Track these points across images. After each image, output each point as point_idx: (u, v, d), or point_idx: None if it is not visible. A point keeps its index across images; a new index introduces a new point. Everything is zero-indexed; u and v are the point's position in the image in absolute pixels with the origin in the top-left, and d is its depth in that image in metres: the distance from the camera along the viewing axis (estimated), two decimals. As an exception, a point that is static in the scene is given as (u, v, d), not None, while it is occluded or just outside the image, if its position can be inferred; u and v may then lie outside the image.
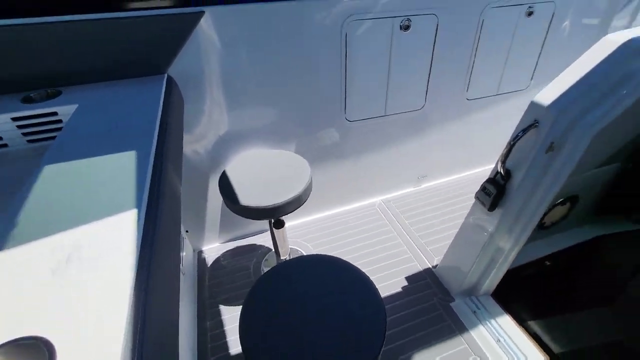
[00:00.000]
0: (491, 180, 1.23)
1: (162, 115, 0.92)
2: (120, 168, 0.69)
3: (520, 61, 1.94)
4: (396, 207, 2.11)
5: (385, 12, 1.48)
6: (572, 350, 1.38)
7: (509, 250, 1.31)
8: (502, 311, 1.46)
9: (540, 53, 1.96)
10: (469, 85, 1.89)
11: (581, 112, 1.01)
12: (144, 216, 0.57)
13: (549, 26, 1.87)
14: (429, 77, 1.76)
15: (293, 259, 1.01)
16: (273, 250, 1.80)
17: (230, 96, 1.45)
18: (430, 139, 2.03)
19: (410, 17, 1.53)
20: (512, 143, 1.09)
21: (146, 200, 0.61)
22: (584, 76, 1.01)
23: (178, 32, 1.18)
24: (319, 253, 1.82)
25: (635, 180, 1.48)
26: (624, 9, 1.97)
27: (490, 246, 1.33)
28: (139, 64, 1.16)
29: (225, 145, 1.59)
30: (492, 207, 1.23)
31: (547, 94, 1.04)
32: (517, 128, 1.12)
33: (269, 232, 1.92)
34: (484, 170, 2.40)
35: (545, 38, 1.90)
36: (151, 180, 0.66)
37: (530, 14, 1.77)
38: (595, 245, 1.68)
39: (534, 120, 1.06)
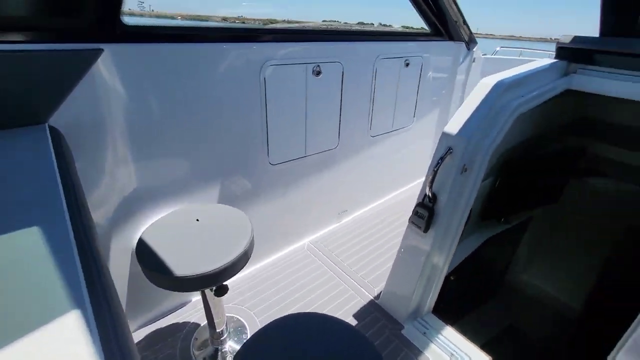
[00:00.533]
0: (421, 204, 1.35)
1: (62, 177, 0.68)
2: (34, 261, 0.45)
3: (405, 102, 2.32)
4: (324, 245, 2.09)
5: (299, 59, 1.56)
6: (482, 345, 1.54)
7: (442, 265, 1.44)
8: (445, 325, 1.56)
9: (417, 95, 2.39)
10: (371, 123, 2.13)
11: (481, 137, 1.23)
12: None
13: (420, 75, 2.32)
14: (340, 118, 1.90)
15: (269, 326, 0.84)
16: (203, 324, 1.49)
17: (138, 147, 1.21)
18: (345, 175, 2.15)
19: (320, 64, 1.65)
20: (435, 169, 1.24)
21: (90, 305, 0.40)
22: (475, 110, 1.25)
23: (67, 72, 0.94)
24: (261, 313, 1.60)
25: (503, 191, 1.88)
26: (460, 65, 2.63)
27: (427, 265, 1.44)
28: (8, 112, 0.85)
29: (136, 208, 1.29)
30: (426, 229, 1.34)
31: (453, 126, 1.25)
32: (434, 156, 1.29)
33: (192, 304, 1.60)
34: (394, 196, 2.66)
35: (418, 84, 2.35)
36: (85, 276, 0.45)
37: (407, 64, 2.16)
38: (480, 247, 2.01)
39: (448, 148, 1.24)
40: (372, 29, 1.96)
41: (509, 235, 2.09)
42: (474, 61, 2.70)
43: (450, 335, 1.51)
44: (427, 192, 1.29)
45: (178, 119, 1.28)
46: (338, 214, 2.29)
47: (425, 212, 1.32)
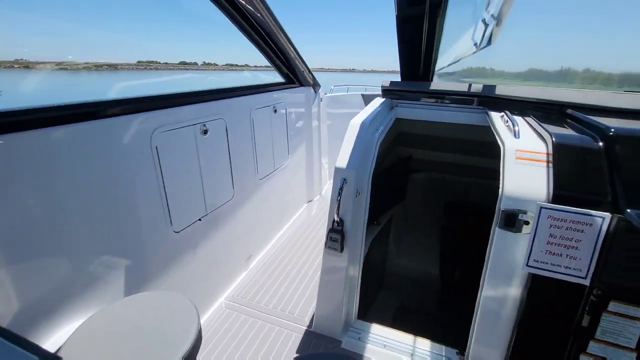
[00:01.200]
0: (332, 230, 1.59)
1: None
2: None
3: (280, 143, 2.58)
4: (242, 297, 2.05)
5: (187, 121, 1.56)
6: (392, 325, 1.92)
7: (357, 275, 1.71)
8: (370, 324, 1.84)
9: (287, 134, 2.69)
10: (257, 168, 2.27)
11: (362, 166, 1.59)
12: None
13: (286, 117, 2.64)
14: (231, 170, 1.96)
15: None
16: None
17: (10, 247, 0.95)
18: (244, 221, 2.19)
19: (206, 123, 1.69)
20: (338, 199, 1.51)
21: None
22: (353, 146, 1.60)
23: None
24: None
25: (374, 200, 2.37)
26: (313, 105, 3.13)
27: (347, 280, 1.68)
28: None
29: (32, 321, 0.98)
30: (342, 249, 1.59)
31: (343, 162, 1.56)
32: (334, 187, 1.56)
33: None
34: (288, 227, 2.84)
35: (286, 125, 2.66)
36: None
37: (275, 111, 2.44)
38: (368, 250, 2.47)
39: (344, 180, 1.53)
40: (246, 84, 2.14)
41: (382, 233, 2.63)
42: (321, 100, 3.26)
43: (377, 330, 1.79)
44: (336, 218, 1.55)
45: (66, 212, 1.07)
46: (245, 261, 2.28)
47: (338, 236, 1.57)
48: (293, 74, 2.72)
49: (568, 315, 1.12)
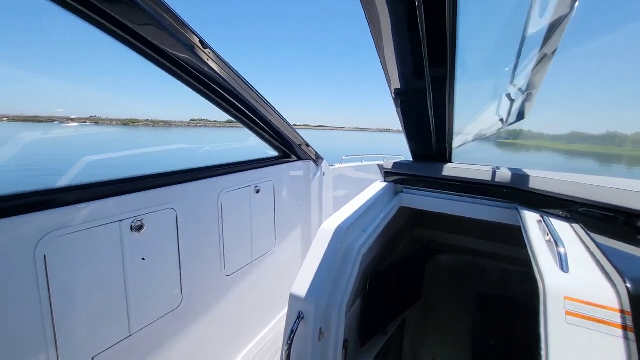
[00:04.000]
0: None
1: None
2: None
3: (263, 228, 2.18)
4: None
5: (105, 218, 1.22)
6: None
7: None
8: None
9: (274, 217, 2.30)
10: (224, 262, 1.85)
11: (331, 293, 1.11)
12: None
13: (274, 197, 2.27)
14: (180, 272, 1.56)
15: None
16: None
17: None
18: (199, 333, 1.72)
19: (143, 216, 1.35)
20: (289, 343, 1.02)
21: None
22: (320, 263, 1.15)
23: None
24: None
25: (374, 309, 1.82)
26: (312, 181, 2.77)
27: None
28: None
29: None
30: None
31: (301, 288, 1.09)
32: (287, 326, 1.08)
33: None
34: (264, 335, 2.29)
35: (274, 206, 2.28)
36: None
37: (258, 191, 2.09)
38: None
39: (299, 314, 1.06)
40: (212, 164, 1.83)
41: (390, 343, 2.00)
42: (324, 175, 2.91)
43: None
44: None
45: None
46: None
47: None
48: (288, 147, 2.43)
49: None
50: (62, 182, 1.19)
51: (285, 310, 2.55)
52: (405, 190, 1.92)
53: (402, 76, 1.31)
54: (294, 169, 2.55)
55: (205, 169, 1.75)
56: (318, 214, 2.85)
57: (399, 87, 1.41)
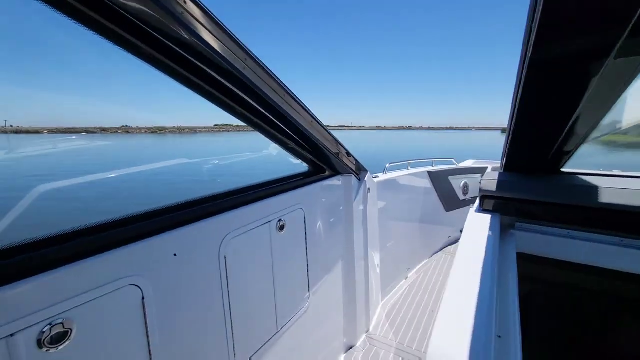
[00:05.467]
0: None
1: None
2: None
3: (289, 280, 1.53)
4: None
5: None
6: None
7: None
8: None
9: (307, 259, 1.64)
10: (234, 345, 1.20)
11: None
12: None
13: (305, 232, 1.61)
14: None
15: None
16: None
17: None
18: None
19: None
20: None
21: None
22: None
23: None
24: None
25: None
26: (355, 200, 2.09)
27: None
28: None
29: None
30: None
31: None
32: None
33: None
34: None
35: (306, 244, 1.62)
36: None
37: (282, 227, 1.43)
38: None
39: None
40: (215, 191, 1.21)
41: None
42: (369, 191, 2.21)
43: None
44: None
45: None
46: None
47: None
48: (322, 159, 1.77)
49: None
50: None
51: None
52: (519, 225, 1.19)
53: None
54: (332, 189, 1.88)
55: (200, 202, 1.11)
56: (362, 245, 2.16)
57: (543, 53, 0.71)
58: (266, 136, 1.42)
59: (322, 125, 1.46)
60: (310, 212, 1.66)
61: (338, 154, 1.77)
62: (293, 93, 1.20)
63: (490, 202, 1.20)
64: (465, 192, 3.87)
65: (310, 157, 1.70)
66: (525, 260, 1.14)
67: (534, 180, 1.22)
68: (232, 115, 1.22)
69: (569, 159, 1.28)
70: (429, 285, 2.93)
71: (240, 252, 1.22)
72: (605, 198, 1.03)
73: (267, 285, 1.38)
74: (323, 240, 1.81)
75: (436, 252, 3.61)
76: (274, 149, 2.81)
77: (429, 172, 3.34)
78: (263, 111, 1.20)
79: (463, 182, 3.84)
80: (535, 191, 1.16)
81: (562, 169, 1.39)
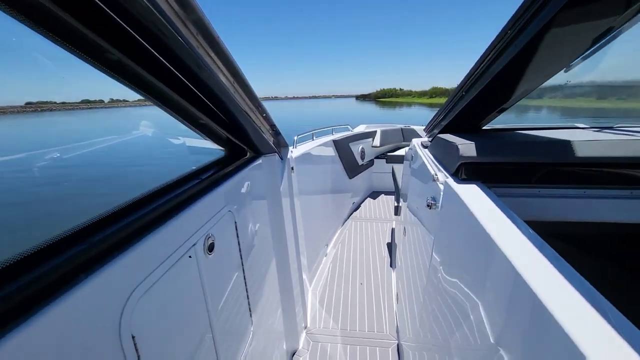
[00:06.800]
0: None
1: None
2: None
3: (229, 308, 1.07)
4: None
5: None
6: None
7: None
8: None
9: (244, 280, 1.19)
10: None
11: None
12: None
13: (238, 241, 1.14)
14: None
15: None
16: None
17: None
18: None
19: None
20: None
21: None
22: None
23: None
24: None
25: None
26: (282, 184, 1.70)
27: None
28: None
29: None
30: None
31: None
32: None
33: None
34: None
35: (241, 259, 1.16)
36: None
37: (211, 247, 0.94)
38: None
39: None
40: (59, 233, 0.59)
41: None
42: (292, 170, 1.85)
43: None
44: None
45: None
46: None
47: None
48: (243, 139, 1.28)
49: None
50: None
51: None
52: (499, 191, 1.09)
53: None
54: (256, 175, 1.42)
55: (52, 250, 0.52)
56: (293, 235, 1.82)
57: None
58: (162, 107, 0.85)
59: (247, 86, 0.98)
60: (240, 212, 1.19)
61: (260, 127, 1.31)
62: (216, 35, 0.69)
63: (472, 170, 1.04)
64: (362, 157, 3.96)
65: (228, 134, 1.19)
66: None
67: (487, 139, 1.13)
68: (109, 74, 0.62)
69: (491, 119, 1.26)
70: (350, 257, 2.88)
71: (159, 314, 0.69)
72: (570, 152, 1.01)
73: (202, 334, 0.89)
74: (256, 244, 1.37)
75: (346, 220, 3.61)
76: (146, 128, 2.05)
77: (334, 141, 3.19)
78: (164, 61, 0.65)
79: (360, 147, 3.90)
80: (504, 152, 1.07)
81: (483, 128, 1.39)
